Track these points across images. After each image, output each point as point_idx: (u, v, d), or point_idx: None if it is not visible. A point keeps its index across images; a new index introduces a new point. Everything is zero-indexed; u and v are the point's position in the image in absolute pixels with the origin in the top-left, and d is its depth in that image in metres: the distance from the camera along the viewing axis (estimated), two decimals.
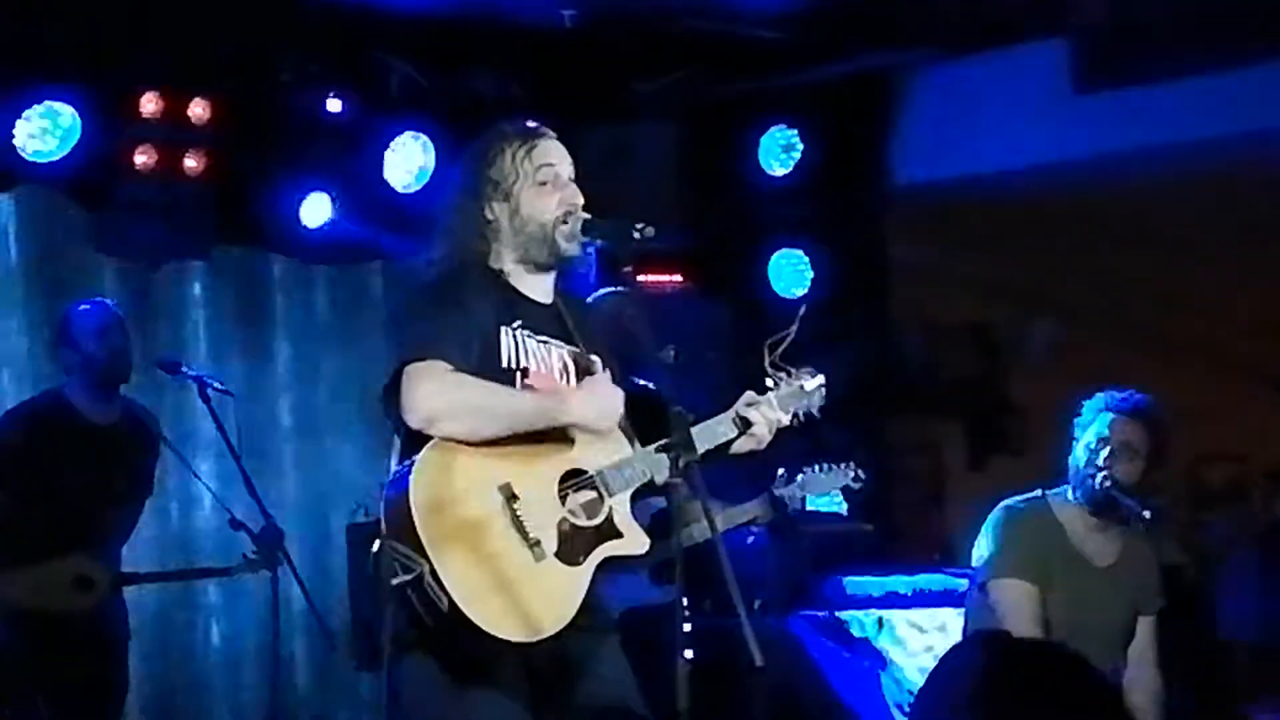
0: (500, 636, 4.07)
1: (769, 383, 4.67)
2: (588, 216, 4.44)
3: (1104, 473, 5.45)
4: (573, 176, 4.50)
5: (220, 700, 7.93)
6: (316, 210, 7.50)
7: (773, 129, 8.57)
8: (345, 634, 6.95)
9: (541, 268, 4.47)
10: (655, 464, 4.37)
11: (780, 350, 4.70)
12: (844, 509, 8.30)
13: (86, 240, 7.34)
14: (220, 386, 6.58)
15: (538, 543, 4.19)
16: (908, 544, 8.87)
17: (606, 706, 4.36)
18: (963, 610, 6.01)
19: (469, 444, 4.20)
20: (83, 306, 6.59)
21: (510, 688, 4.22)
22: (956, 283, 9.49)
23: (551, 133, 4.59)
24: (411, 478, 4.13)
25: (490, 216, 4.46)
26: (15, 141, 6.68)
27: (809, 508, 8.06)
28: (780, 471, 5.93)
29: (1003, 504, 5.67)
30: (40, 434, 6.41)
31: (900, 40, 8.09)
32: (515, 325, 4.39)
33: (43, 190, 7.20)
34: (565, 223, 4.42)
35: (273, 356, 8.17)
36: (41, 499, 6.31)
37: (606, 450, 4.39)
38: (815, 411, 4.74)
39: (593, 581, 4.33)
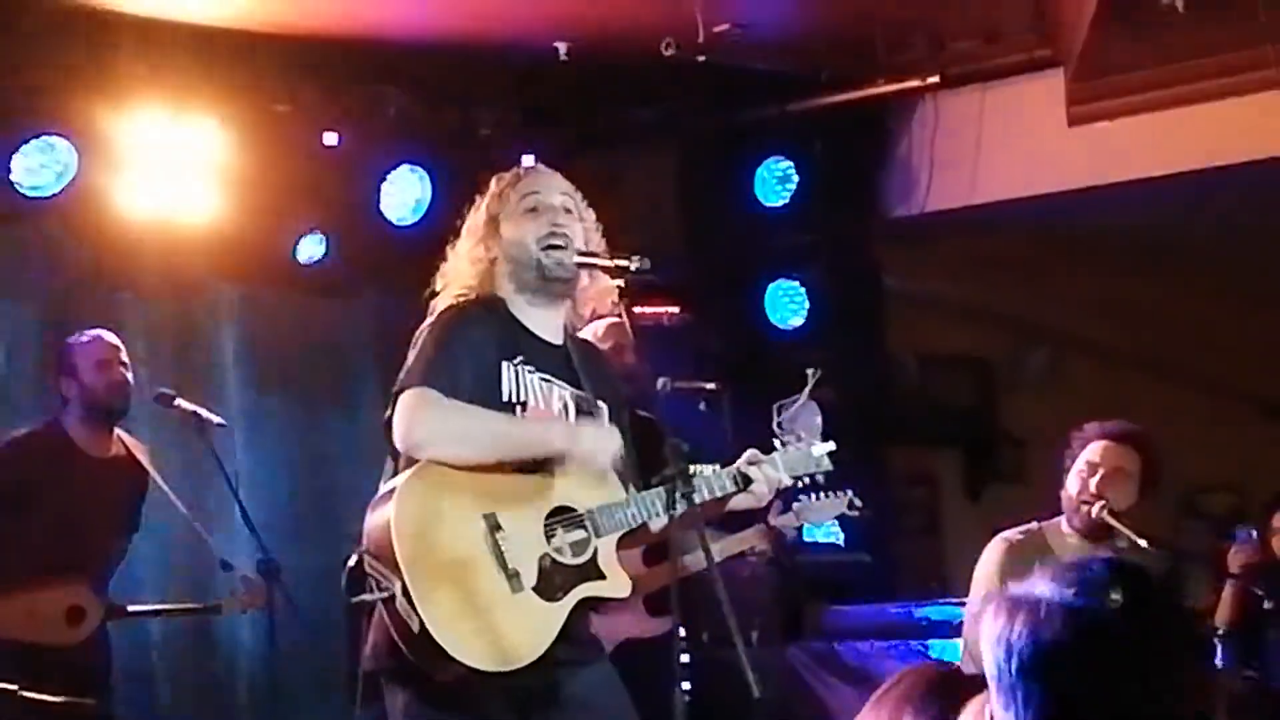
0: (467, 663, 4.08)
1: (776, 444, 4.67)
2: (581, 248, 4.46)
3: (1100, 501, 5.44)
4: (570, 207, 4.52)
5: None
6: (312, 246, 7.52)
7: (768, 160, 8.58)
8: (344, 672, 6.93)
9: (540, 295, 4.49)
10: (649, 509, 4.38)
11: (790, 413, 4.71)
12: (840, 539, 8.30)
13: (85, 273, 7.35)
14: (217, 420, 6.57)
15: (516, 574, 4.19)
16: (905, 574, 8.86)
17: None
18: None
19: (458, 470, 4.22)
20: (83, 338, 6.59)
21: (494, 718, 4.22)
22: (952, 313, 9.52)
23: (546, 169, 4.63)
24: (395, 499, 4.15)
25: (492, 254, 4.50)
26: (13, 176, 6.70)
27: (806, 538, 8.09)
28: (776, 501, 5.90)
29: (998, 536, 5.66)
30: (35, 464, 6.40)
31: (896, 72, 8.11)
32: (517, 361, 4.41)
33: (41, 224, 7.20)
34: (550, 244, 4.44)
35: (271, 389, 8.15)
36: (35, 529, 6.30)
37: (599, 491, 4.40)
38: (820, 478, 4.74)
39: (583, 615, 4.34)
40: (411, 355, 4.35)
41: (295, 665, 7.11)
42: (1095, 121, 7.84)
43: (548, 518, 4.31)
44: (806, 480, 4.70)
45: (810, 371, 4.74)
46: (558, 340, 4.53)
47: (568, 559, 4.31)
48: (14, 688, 5.87)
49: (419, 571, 4.09)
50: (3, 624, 6.17)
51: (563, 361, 4.51)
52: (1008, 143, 8.20)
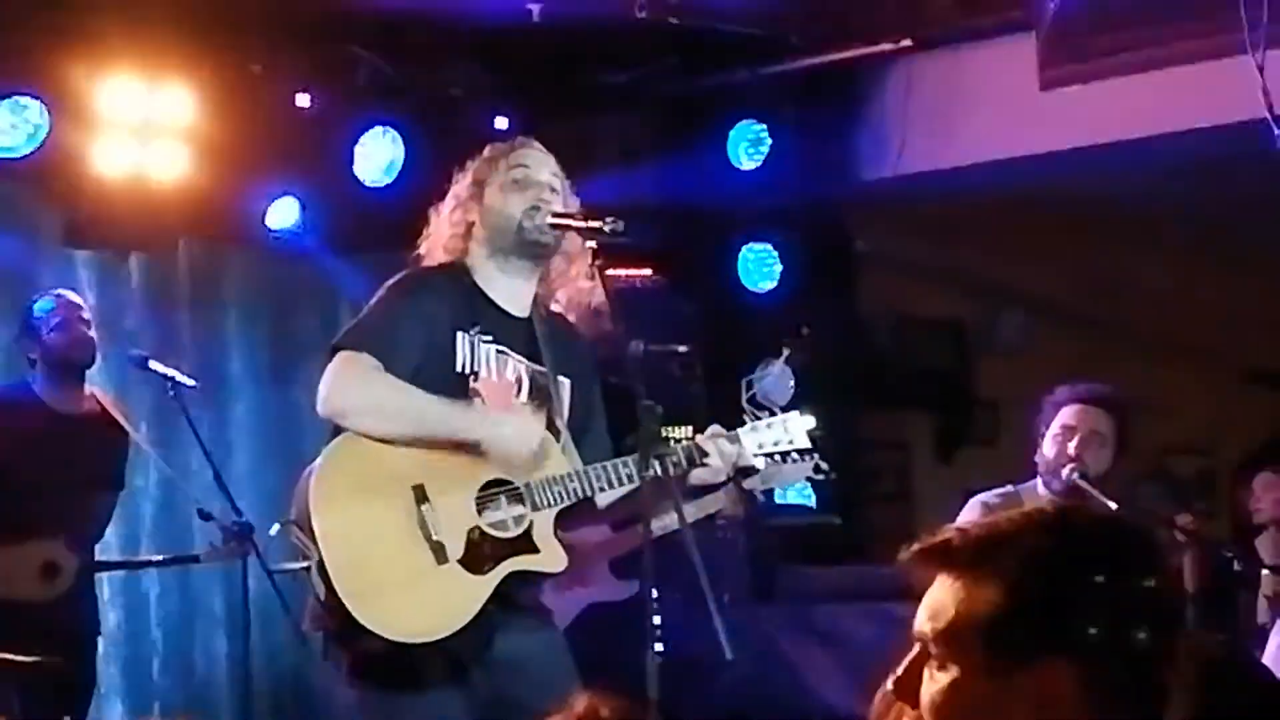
0: (379, 634, 4.09)
1: (746, 419, 4.67)
2: (557, 209, 4.47)
3: (1074, 464, 5.46)
4: (556, 187, 4.51)
5: (194, 691, 7.91)
6: (285, 211, 7.50)
7: (742, 123, 8.57)
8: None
9: (514, 261, 4.49)
10: (595, 482, 4.37)
11: (762, 384, 4.71)
12: (813, 501, 8.32)
13: (55, 234, 7.33)
14: (190, 382, 6.57)
15: (441, 546, 4.19)
16: (876, 536, 8.88)
17: (542, 699, 4.38)
18: None
19: (391, 442, 4.23)
20: (44, 298, 6.60)
21: (436, 682, 4.23)
22: (924, 277, 9.53)
23: (538, 145, 4.63)
24: (318, 467, 4.16)
25: (470, 218, 4.50)
26: None
27: (778, 500, 8.12)
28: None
29: (975, 498, 5.68)
30: (4, 423, 6.39)
31: (869, 35, 8.10)
32: (474, 331, 4.39)
33: (11, 184, 7.17)
34: (532, 216, 4.44)
35: (242, 351, 8.15)
36: (5, 488, 6.27)
37: (539, 464, 4.39)
38: (796, 454, 4.72)
39: (526, 586, 4.34)
40: (363, 313, 4.36)
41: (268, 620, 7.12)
42: (1067, 85, 7.84)
43: (483, 489, 4.30)
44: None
45: (785, 342, 4.75)
46: (522, 313, 4.51)
47: (500, 532, 4.30)
48: None
49: (335, 542, 4.10)
50: None
51: (524, 334, 4.49)
52: (980, 106, 8.19)
